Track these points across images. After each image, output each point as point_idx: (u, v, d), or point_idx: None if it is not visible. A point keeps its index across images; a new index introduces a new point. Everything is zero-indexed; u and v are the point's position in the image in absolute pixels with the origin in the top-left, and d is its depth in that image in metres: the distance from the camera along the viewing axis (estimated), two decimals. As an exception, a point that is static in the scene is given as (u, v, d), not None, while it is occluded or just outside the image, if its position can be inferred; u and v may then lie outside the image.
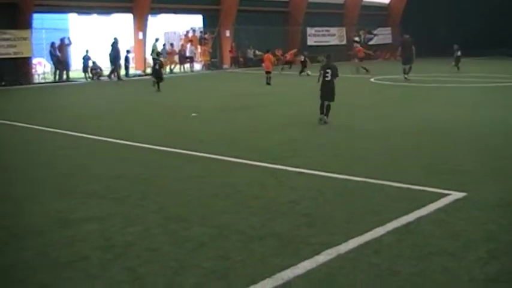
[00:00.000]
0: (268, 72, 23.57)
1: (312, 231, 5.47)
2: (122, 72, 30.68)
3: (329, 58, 13.59)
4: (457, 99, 17.16)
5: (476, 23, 40.04)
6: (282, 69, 30.16)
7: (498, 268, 4.56)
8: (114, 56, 29.75)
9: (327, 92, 12.67)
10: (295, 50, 32.70)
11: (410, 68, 23.84)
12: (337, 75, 12.88)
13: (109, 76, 30.04)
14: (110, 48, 29.81)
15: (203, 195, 6.92)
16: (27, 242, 5.42)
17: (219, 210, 6.28)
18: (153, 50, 30.97)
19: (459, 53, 28.32)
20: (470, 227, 5.49)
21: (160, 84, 21.56)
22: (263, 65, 24.72)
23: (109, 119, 14.37)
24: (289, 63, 31.55)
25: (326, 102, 12.67)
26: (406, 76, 23.65)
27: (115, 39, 30.05)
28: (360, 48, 33.08)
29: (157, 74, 22.18)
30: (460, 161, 8.44)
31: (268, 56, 24.70)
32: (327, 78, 12.76)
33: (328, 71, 12.78)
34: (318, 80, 12.92)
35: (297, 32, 39.54)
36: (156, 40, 31.99)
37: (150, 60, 32.86)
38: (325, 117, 12.58)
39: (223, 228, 5.62)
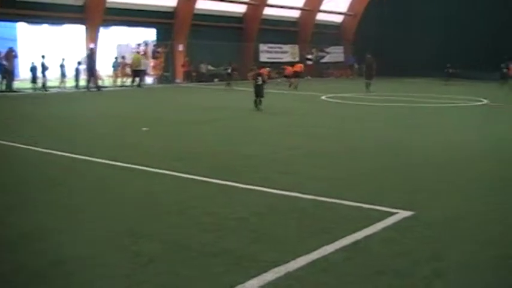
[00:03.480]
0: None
1: (261, 249, 5.47)
2: (73, 83, 30.34)
3: (260, 68, 20.97)
4: (407, 119, 17.55)
5: (427, 43, 41.18)
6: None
7: (442, 287, 4.65)
8: (91, 66, 29.58)
9: (259, 91, 18.69)
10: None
11: (370, 83, 28.11)
12: (265, 80, 19.38)
13: (87, 87, 29.72)
14: (86, 59, 29.95)
15: (155, 210, 6.84)
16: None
17: (171, 225, 6.22)
18: (140, 63, 32.14)
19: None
20: (416, 245, 5.59)
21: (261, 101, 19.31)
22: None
23: (55, 131, 14.08)
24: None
25: (259, 99, 18.55)
26: (369, 90, 27.63)
27: (91, 49, 29.85)
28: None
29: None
30: (409, 180, 8.62)
31: (264, 70, 26.63)
32: (258, 82, 18.75)
33: (259, 77, 18.87)
34: (253, 81, 19.15)
35: (250, 48, 39.75)
36: (138, 53, 33.21)
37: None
38: (261, 106, 18.50)
39: (174, 244, 5.57)
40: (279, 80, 34.64)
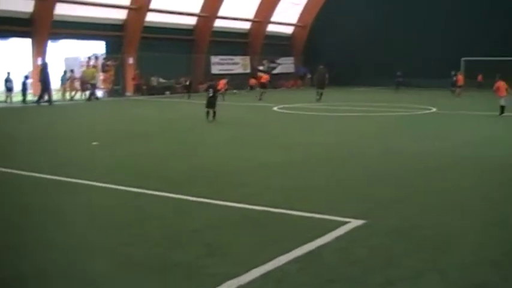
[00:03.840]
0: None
1: (213, 262, 5.40)
2: (19, 98, 29.65)
3: (212, 81, 21.64)
4: (359, 127, 17.77)
5: (376, 53, 42.06)
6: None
7: (395, 294, 4.68)
8: (44, 80, 29.02)
9: (211, 103, 19.00)
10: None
11: (322, 93, 29.12)
12: (218, 91, 20.48)
13: (38, 101, 28.99)
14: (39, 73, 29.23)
15: (103, 226, 6.70)
16: None
17: (122, 241, 6.09)
18: (94, 76, 31.81)
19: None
20: (369, 253, 5.61)
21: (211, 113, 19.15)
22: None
23: (2, 147, 13.70)
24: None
25: (211, 110, 18.83)
26: (320, 99, 28.69)
27: (44, 63, 29.27)
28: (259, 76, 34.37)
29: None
30: (361, 190, 8.68)
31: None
32: (210, 94, 19.15)
33: (211, 89, 19.33)
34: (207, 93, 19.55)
35: (201, 60, 39.67)
36: (94, 67, 32.89)
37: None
38: (213, 119, 18.68)
39: (124, 260, 5.45)
40: (235, 91, 34.73)
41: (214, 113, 18.87)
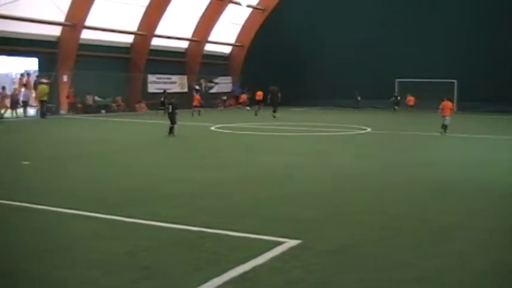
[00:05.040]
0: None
1: (150, 284, 5.36)
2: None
3: (173, 98, 22.91)
4: (294, 147, 17.96)
5: (315, 73, 42.89)
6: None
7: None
8: None
9: (171, 118, 20.70)
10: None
11: (276, 111, 31.02)
12: (176, 108, 21.06)
13: None
14: None
15: (34, 249, 6.52)
16: None
17: (53, 265, 5.94)
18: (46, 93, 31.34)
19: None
20: (305, 273, 5.69)
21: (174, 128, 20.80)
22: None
23: None
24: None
25: (171, 125, 20.50)
26: (274, 115, 30.75)
27: None
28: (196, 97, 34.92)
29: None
30: (297, 209, 8.77)
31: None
32: (169, 110, 21.04)
33: (170, 106, 21.25)
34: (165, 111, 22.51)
35: (138, 79, 39.30)
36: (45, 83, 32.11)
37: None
38: (172, 134, 20.34)
39: (57, 286, 5.33)
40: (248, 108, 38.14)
41: (174, 127, 20.50)
